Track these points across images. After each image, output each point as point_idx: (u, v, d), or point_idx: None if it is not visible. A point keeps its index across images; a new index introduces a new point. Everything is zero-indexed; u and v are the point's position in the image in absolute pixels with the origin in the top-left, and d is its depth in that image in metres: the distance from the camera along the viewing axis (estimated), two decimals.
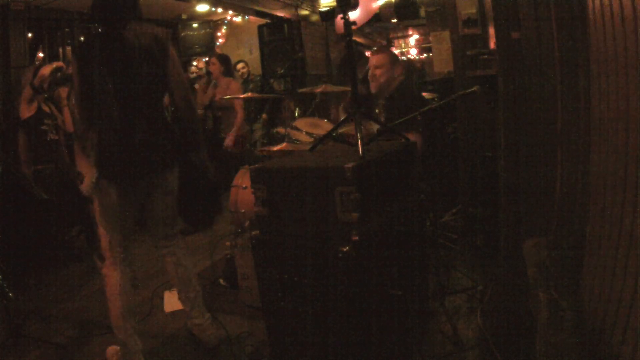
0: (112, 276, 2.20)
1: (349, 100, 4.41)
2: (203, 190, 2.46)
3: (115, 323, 2.23)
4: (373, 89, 3.13)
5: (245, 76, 6.44)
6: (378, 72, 3.05)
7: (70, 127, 3.76)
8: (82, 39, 5.51)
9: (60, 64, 3.61)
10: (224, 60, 5.04)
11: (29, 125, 3.62)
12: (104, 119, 2.11)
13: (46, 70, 3.51)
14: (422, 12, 5.69)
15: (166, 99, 2.39)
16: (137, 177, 2.18)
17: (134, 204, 2.25)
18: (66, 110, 3.76)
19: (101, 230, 2.23)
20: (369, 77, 3.14)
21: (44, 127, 3.65)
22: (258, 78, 6.55)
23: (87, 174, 2.16)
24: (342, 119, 2.55)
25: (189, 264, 2.44)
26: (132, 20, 2.13)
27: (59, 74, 3.52)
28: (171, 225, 2.39)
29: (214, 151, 4.95)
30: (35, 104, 3.63)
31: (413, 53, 11.05)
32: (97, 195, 2.17)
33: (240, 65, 6.49)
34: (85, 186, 2.17)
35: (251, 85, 6.33)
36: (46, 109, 3.70)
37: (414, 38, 10.84)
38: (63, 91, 3.74)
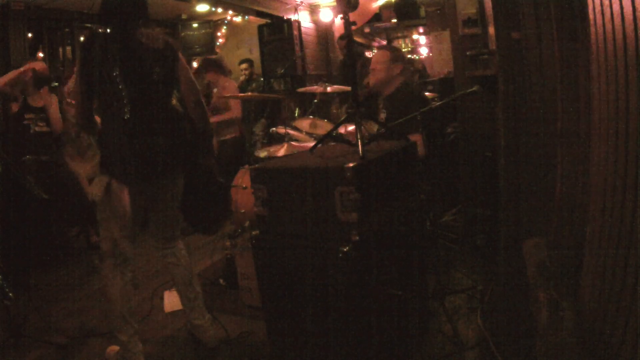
0: (112, 277, 2.19)
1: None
2: (213, 194, 2.45)
3: (115, 323, 2.23)
4: (371, 82, 3.19)
5: (249, 77, 6.42)
6: (378, 67, 3.12)
7: (55, 125, 3.78)
8: (84, 39, 5.50)
9: (28, 66, 3.63)
10: (214, 63, 4.79)
11: (16, 120, 3.67)
12: (112, 120, 2.09)
13: (12, 74, 3.55)
14: (422, 12, 5.70)
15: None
16: (148, 179, 2.15)
17: (141, 206, 2.24)
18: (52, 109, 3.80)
19: (103, 232, 2.21)
20: (369, 71, 3.20)
21: (26, 122, 3.68)
22: (261, 79, 6.54)
23: (96, 180, 2.13)
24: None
25: (189, 265, 2.43)
26: (142, 23, 2.11)
27: (29, 78, 3.58)
28: (172, 227, 2.38)
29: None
30: (20, 99, 3.69)
31: (424, 52, 10.95)
32: (107, 200, 2.13)
33: (243, 66, 6.45)
34: (94, 191, 2.14)
35: (253, 85, 6.32)
36: (33, 103, 3.72)
37: (424, 37, 10.72)
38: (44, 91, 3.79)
